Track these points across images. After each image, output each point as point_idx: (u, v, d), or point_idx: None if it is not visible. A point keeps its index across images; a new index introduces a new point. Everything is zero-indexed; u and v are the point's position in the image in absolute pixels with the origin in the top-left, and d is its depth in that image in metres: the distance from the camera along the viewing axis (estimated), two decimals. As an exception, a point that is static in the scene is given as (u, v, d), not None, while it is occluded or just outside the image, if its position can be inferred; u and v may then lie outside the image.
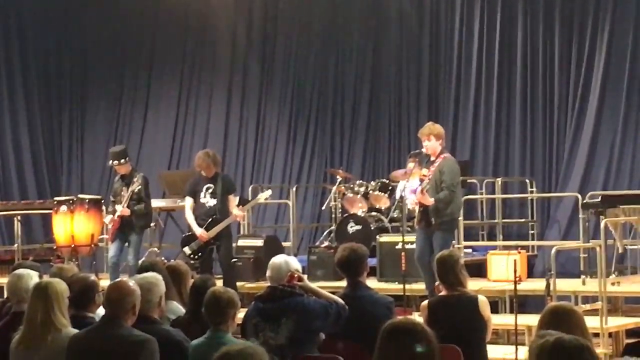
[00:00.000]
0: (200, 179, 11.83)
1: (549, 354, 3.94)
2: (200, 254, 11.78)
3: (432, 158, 10.40)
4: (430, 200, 10.17)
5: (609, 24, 13.97)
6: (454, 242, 11.15)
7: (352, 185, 13.89)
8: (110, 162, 12.50)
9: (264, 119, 17.14)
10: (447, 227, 10.36)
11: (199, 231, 11.68)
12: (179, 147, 17.68)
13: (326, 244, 13.62)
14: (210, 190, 11.71)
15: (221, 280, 11.32)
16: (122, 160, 12.36)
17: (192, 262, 11.50)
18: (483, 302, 7.03)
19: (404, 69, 15.98)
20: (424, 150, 10.51)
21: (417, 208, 10.34)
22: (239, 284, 11.79)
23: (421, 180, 10.47)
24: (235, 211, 11.73)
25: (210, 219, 11.67)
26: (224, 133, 17.35)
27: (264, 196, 12.28)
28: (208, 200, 11.72)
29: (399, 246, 11.04)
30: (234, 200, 11.90)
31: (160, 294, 6.30)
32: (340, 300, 6.66)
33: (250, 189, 14.94)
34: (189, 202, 11.88)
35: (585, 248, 12.16)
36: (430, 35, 15.72)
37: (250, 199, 14.17)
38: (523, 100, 14.74)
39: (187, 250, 11.84)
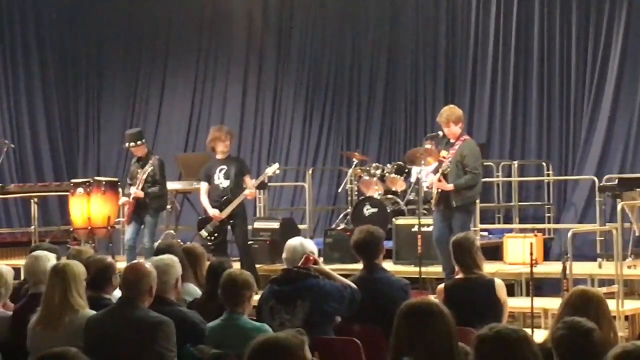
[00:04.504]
0: (214, 163, 11.92)
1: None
2: (216, 234, 11.83)
3: (452, 140, 10.39)
4: (449, 187, 10.15)
5: (626, 7, 13.88)
6: (471, 224, 11.14)
7: (368, 168, 13.88)
8: (127, 144, 12.53)
9: (280, 101, 17.13)
10: (467, 209, 10.36)
11: (212, 212, 11.75)
12: (195, 129, 17.69)
13: (342, 226, 13.63)
14: (223, 172, 11.79)
15: (239, 263, 11.37)
16: (139, 142, 12.39)
17: (209, 244, 11.55)
18: (499, 285, 7.05)
19: (420, 51, 15.93)
20: (440, 133, 10.50)
21: (434, 190, 10.32)
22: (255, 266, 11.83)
23: (440, 163, 10.44)
24: (246, 191, 11.78)
25: (224, 199, 11.74)
26: (240, 115, 17.34)
27: (271, 170, 12.28)
28: (222, 182, 11.80)
29: (415, 229, 11.03)
30: (250, 181, 11.95)
31: (176, 276, 6.33)
32: (354, 285, 6.67)
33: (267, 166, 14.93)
34: (204, 186, 11.97)
35: (601, 231, 12.13)
36: (446, 16, 15.65)
37: (267, 182, 14.22)
38: (540, 83, 14.67)
39: (203, 232, 11.89)
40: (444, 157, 10.39)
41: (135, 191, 12.12)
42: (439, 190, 10.25)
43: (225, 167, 11.82)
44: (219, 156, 11.88)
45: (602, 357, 4.15)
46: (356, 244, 7.15)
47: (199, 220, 12.19)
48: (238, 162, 12.09)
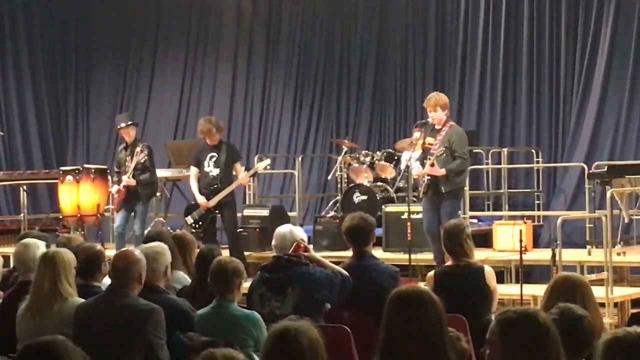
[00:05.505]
0: (205, 148, 11.86)
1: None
2: (201, 222, 11.83)
3: (438, 127, 10.40)
4: (441, 171, 10.14)
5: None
6: (460, 211, 11.15)
7: (357, 155, 13.88)
8: (118, 126, 12.51)
9: (269, 89, 17.10)
10: (455, 195, 10.36)
11: (200, 199, 11.75)
12: (184, 116, 17.66)
13: (332, 214, 13.63)
14: (213, 159, 11.74)
15: (228, 250, 11.35)
16: (130, 122, 12.41)
17: (194, 231, 11.54)
18: (489, 272, 7.05)
19: (410, 38, 15.91)
20: (429, 120, 10.50)
21: (425, 178, 10.29)
22: (244, 253, 11.82)
23: (426, 150, 10.42)
24: (236, 182, 11.76)
25: (213, 188, 11.72)
26: (229, 103, 17.32)
27: (262, 165, 12.29)
28: (211, 169, 11.76)
29: (405, 216, 11.03)
30: (240, 168, 11.93)
31: (166, 264, 6.31)
32: (345, 272, 6.65)
33: (255, 158, 14.89)
34: (193, 171, 11.96)
35: (591, 218, 12.15)
36: (436, 4, 15.64)
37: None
38: (529, 70, 14.66)
39: (189, 219, 11.91)
40: (430, 144, 10.38)
41: (128, 180, 12.10)
42: (429, 177, 10.23)
43: (215, 154, 11.76)
44: (209, 142, 11.83)
45: (592, 343, 4.16)
46: (348, 230, 7.12)
47: (187, 206, 12.22)
48: (229, 148, 12.02)
